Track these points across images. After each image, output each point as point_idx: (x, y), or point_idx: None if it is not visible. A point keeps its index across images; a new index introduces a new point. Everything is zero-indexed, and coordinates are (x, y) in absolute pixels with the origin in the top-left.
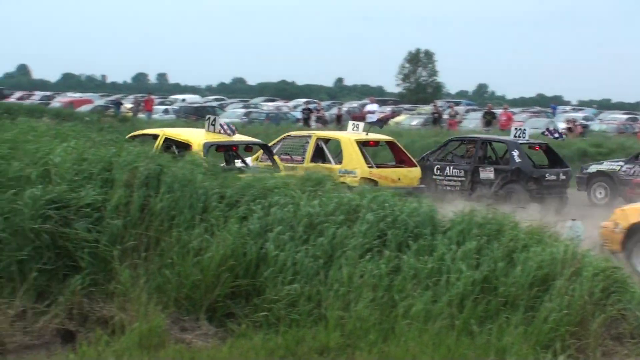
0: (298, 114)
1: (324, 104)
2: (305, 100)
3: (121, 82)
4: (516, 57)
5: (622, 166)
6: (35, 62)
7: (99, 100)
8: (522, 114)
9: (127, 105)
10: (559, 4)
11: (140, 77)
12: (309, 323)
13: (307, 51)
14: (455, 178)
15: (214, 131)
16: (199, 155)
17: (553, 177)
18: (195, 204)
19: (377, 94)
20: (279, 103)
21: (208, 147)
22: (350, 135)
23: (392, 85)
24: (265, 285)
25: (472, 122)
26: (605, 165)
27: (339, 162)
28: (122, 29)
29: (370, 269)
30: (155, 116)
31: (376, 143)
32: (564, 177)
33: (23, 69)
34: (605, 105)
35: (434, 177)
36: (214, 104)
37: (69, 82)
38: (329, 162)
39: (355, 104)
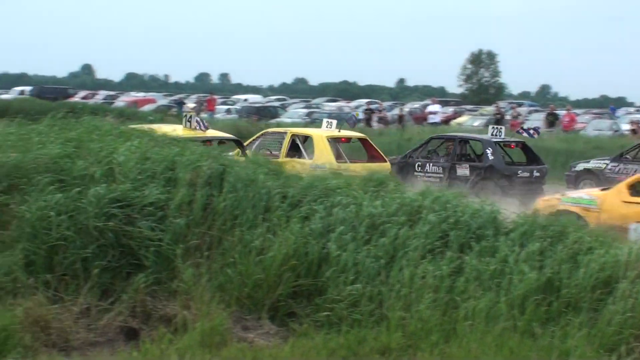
0: (360, 115)
1: (385, 104)
2: (367, 100)
3: (184, 81)
4: (580, 57)
5: (607, 164)
6: (100, 62)
7: (162, 100)
8: (585, 115)
9: (190, 104)
10: (624, 2)
11: (202, 77)
12: (370, 323)
13: (369, 51)
14: (434, 174)
15: (190, 127)
16: None
17: (526, 174)
18: (258, 204)
19: (439, 94)
20: (341, 103)
21: None
22: (322, 132)
23: (454, 86)
24: (327, 285)
25: (534, 123)
26: (592, 164)
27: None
28: (185, 29)
29: (431, 269)
30: (217, 116)
31: (348, 139)
32: (538, 174)
33: (87, 69)
34: None
35: (415, 173)
36: (276, 104)
37: (132, 81)
38: (303, 157)
39: (417, 104)
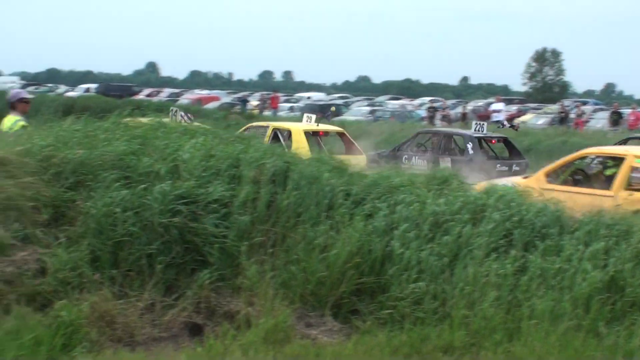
0: (423, 112)
1: (449, 102)
2: (430, 98)
3: (247, 79)
4: None
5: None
6: (164, 60)
7: (226, 98)
8: None
9: (254, 102)
10: None
11: (266, 75)
12: (433, 321)
13: (432, 49)
14: (420, 167)
15: (176, 121)
16: None
17: (504, 168)
18: (321, 201)
19: (502, 92)
20: (404, 101)
21: None
22: (300, 126)
23: (518, 84)
24: (390, 283)
25: (599, 121)
26: None
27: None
28: (249, 27)
29: (495, 268)
30: (280, 113)
31: (326, 133)
32: (517, 168)
33: (152, 67)
34: None
35: (402, 165)
36: (339, 101)
37: (196, 79)
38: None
39: (480, 102)
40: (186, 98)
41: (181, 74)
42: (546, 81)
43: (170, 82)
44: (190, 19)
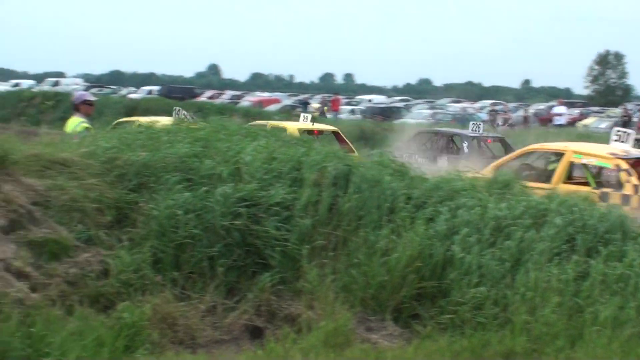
0: (484, 116)
1: (510, 105)
2: (491, 101)
3: (308, 81)
4: None
5: None
6: (226, 62)
7: (287, 100)
8: None
9: (314, 104)
10: None
11: (327, 77)
12: (494, 327)
13: (494, 52)
14: (418, 166)
15: (179, 119)
16: None
17: None
18: (383, 205)
19: (564, 96)
20: (465, 104)
21: None
22: (295, 125)
23: (580, 87)
24: (451, 288)
25: None
26: None
27: None
28: (310, 30)
29: (556, 273)
30: (341, 116)
31: (320, 132)
32: None
33: (214, 69)
34: None
35: None
36: (400, 104)
37: (257, 81)
38: None
39: (542, 105)
40: (247, 100)
41: (242, 76)
42: (609, 84)
43: (231, 84)
44: (252, 21)
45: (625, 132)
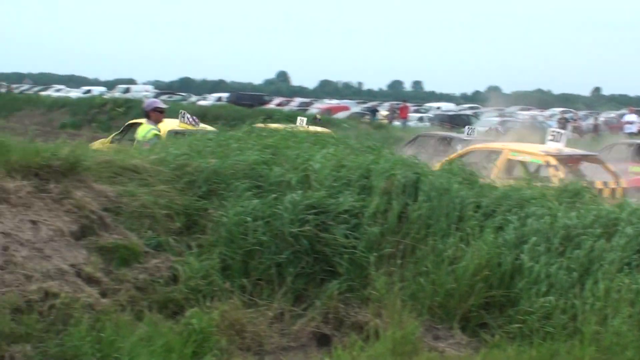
0: (553, 123)
1: (580, 113)
2: (561, 109)
3: (377, 89)
4: None
5: None
6: (295, 69)
7: (355, 107)
8: None
9: (383, 112)
10: None
11: (395, 85)
12: (563, 336)
13: (564, 60)
14: None
15: (184, 122)
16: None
17: None
18: (452, 213)
19: (636, 104)
20: (535, 112)
21: (173, 133)
22: (292, 128)
23: None
24: (519, 297)
25: None
26: None
27: None
28: (379, 37)
29: (627, 283)
30: (410, 124)
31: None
32: None
33: (283, 76)
34: None
35: None
36: (469, 112)
37: (326, 88)
38: None
39: (612, 114)
40: (316, 107)
41: (311, 83)
42: None
43: (300, 91)
44: (321, 29)
45: (559, 132)
